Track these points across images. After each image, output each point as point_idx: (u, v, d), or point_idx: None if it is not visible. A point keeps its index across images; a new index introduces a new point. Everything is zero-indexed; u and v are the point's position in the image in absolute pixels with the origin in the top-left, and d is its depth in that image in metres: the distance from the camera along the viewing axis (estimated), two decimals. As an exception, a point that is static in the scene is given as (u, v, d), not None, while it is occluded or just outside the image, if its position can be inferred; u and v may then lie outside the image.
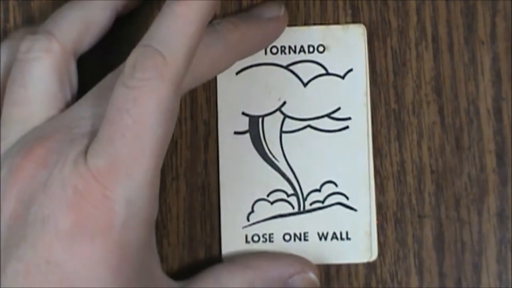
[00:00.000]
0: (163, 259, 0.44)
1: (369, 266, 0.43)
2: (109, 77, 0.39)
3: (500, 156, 0.44)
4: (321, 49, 0.44)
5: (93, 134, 0.36)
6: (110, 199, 0.35)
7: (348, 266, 0.44)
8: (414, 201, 0.44)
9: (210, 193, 0.44)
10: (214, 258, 0.44)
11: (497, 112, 0.44)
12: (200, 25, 0.36)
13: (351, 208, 0.43)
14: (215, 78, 0.44)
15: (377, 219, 0.43)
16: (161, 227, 0.44)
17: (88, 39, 0.41)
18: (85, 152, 0.36)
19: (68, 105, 0.40)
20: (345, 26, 0.44)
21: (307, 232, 0.43)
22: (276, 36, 0.43)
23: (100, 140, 0.35)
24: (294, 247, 0.43)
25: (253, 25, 0.42)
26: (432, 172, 0.44)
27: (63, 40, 0.40)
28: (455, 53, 0.44)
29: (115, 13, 0.42)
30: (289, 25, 0.44)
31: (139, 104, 0.35)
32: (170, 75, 0.35)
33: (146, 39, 0.36)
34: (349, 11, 0.44)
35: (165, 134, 0.36)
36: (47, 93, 0.39)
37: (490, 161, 0.44)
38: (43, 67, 0.39)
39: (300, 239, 0.43)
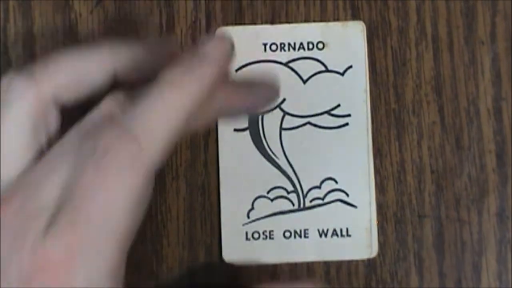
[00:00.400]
0: (163, 259, 0.44)
1: (369, 265, 0.43)
2: (81, 127, 0.35)
3: (500, 156, 0.44)
4: (320, 46, 0.44)
5: (55, 207, 0.33)
6: None
7: (348, 265, 0.43)
8: (414, 201, 0.44)
9: (210, 193, 0.44)
10: (214, 258, 0.44)
11: (497, 112, 0.44)
12: (187, 115, 0.34)
13: (351, 205, 0.43)
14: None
15: (377, 219, 0.43)
16: (161, 227, 0.44)
17: (76, 93, 0.37)
18: (45, 230, 0.33)
19: (43, 154, 0.36)
20: (344, 23, 0.44)
21: (307, 229, 0.43)
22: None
23: (62, 223, 0.33)
24: (294, 244, 0.43)
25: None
26: (432, 172, 0.44)
27: (44, 86, 0.36)
28: (455, 53, 0.44)
29: (112, 74, 0.37)
30: (289, 22, 0.44)
31: (107, 191, 0.33)
32: (143, 164, 0.33)
33: (127, 118, 0.33)
34: (349, 11, 0.45)
35: (133, 222, 0.34)
36: (18, 141, 0.36)
37: (490, 161, 0.44)
38: (15, 111, 0.36)
39: (300, 236, 0.43)
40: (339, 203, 0.43)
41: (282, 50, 0.44)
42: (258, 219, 0.43)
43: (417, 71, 0.44)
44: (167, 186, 0.44)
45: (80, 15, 0.46)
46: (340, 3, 0.45)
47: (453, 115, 0.44)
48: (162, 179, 0.44)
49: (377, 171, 0.44)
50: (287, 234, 0.43)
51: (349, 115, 0.43)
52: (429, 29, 0.44)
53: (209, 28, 0.45)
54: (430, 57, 0.44)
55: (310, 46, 0.44)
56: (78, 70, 0.37)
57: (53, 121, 0.37)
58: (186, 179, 0.44)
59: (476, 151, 0.44)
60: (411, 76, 0.44)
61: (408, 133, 0.44)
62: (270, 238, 0.43)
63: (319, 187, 0.43)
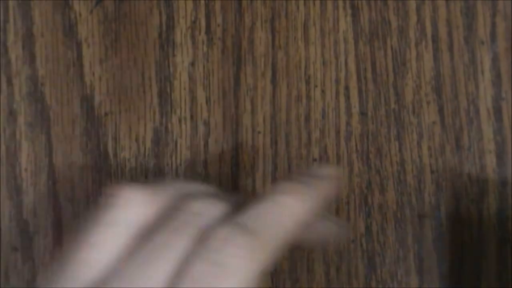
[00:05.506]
0: (163, 259, 0.44)
1: (369, 265, 0.43)
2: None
3: (500, 156, 0.44)
4: None
5: None
6: None
7: (348, 265, 0.43)
8: (414, 201, 0.44)
9: (210, 193, 0.44)
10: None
11: (497, 112, 0.44)
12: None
13: None
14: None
15: (377, 219, 0.43)
16: (161, 227, 0.44)
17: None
18: None
19: None
20: None
21: None
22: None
23: None
24: None
25: None
26: (432, 172, 0.44)
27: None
28: (455, 53, 0.44)
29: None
30: (289, 22, 0.44)
31: (221, 281, 0.32)
32: (259, 259, 0.33)
33: (243, 218, 0.34)
34: (349, 11, 0.45)
35: None
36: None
37: (490, 161, 0.44)
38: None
39: None
40: None
41: None
42: None
43: (417, 71, 0.44)
44: (167, 186, 0.44)
45: (80, 15, 0.46)
46: (340, 3, 0.45)
47: (453, 115, 0.44)
48: (162, 179, 0.44)
49: (377, 171, 0.44)
50: None
51: None
52: (429, 29, 0.44)
53: (209, 28, 0.45)
54: (430, 57, 0.44)
55: None
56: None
57: None
58: (186, 179, 0.44)
59: (476, 151, 0.44)
60: (411, 76, 0.44)
61: (408, 133, 0.44)
62: None
63: None
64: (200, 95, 0.45)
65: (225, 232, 0.33)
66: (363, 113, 0.44)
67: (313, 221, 0.37)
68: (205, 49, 0.45)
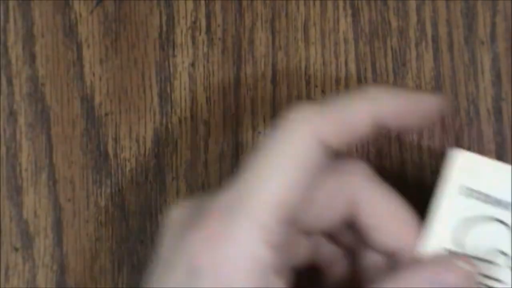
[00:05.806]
0: (163, 259, 0.44)
1: (369, 266, 0.43)
2: None
3: (500, 156, 0.44)
4: None
5: None
6: None
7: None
8: (415, 201, 0.44)
9: (210, 193, 0.44)
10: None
11: (497, 112, 0.44)
12: (383, 110, 0.36)
13: None
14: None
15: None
16: (161, 227, 0.44)
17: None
18: None
19: None
20: None
21: None
22: None
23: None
24: None
25: None
26: (432, 172, 0.44)
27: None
28: (455, 53, 0.44)
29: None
30: (289, 22, 0.44)
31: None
32: (316, 124, 0.34)
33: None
34: (349, 11, 0.45)
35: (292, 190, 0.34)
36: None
37: (490, 161, 0.44)
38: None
39: None
40: None
41: None
42: None
43: (417, 71, 0.44)
44: (167, 186, 0.44)
45: (80, 15, 0.46)
46: (340, 3, 0.45)
47: (453, 115, 0.44)
48: (162, 179, 0.44)
49: (377, 172, 0.44)
50: None
51: None
52: (429, 29, 0.44)
53: (209, 28, 0.45)
54: (430, 57, 0.44)
55: None
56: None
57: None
58: (186, 179, 0.44)
59: (476, 151, 0.44)
60: (411, 76, 0.44)
61: (408, 133, 0.44)
62: None
63: None
64: (200, 95, 0.45)
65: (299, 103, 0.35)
66: (363, 113, 0.44)
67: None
68: (205, 49, 0.45)
